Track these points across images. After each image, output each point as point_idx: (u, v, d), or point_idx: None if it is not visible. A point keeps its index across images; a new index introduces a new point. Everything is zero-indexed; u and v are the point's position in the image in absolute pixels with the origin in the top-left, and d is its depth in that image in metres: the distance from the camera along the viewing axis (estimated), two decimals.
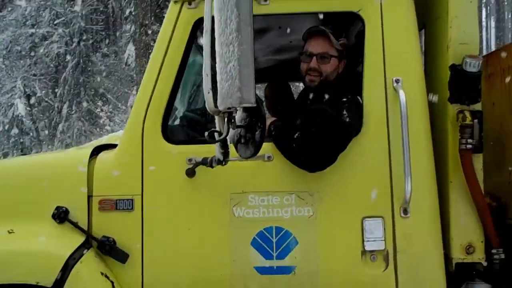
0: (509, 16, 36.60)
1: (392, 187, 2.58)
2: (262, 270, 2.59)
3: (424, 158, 2.61)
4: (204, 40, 2.00)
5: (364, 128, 2.62)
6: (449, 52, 2.65)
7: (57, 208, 2.62)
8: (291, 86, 4.68)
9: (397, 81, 2.61)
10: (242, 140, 2.21)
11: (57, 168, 2.84)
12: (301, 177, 2.57)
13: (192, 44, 2.75)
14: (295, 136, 2.52)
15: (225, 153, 2.27)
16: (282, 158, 2.59)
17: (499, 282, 2.64)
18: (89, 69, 19.48)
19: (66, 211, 2.62)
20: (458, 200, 2.63)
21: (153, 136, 2.67)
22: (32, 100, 18.53)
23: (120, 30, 21.63)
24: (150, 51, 12.28)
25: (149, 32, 13.58)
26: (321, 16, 2.70)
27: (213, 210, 2.62)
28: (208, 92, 1.96)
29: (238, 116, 2.17)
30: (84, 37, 19.27)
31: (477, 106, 2.61)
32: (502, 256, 2.61)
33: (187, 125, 3.43)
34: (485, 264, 2.62)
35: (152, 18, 13.66)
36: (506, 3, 35.89)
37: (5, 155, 17.02)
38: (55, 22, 19.22)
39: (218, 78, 1.86)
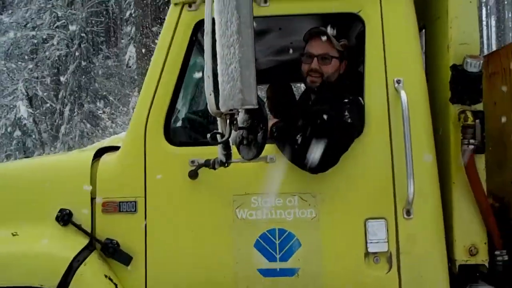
0: (510, 15, 36.56)
1: (395, 188, 2.58)
2: (265, 272, 2.59)
3: (426, 159, 2.60)
4: (205, 42, 2.01)
5: (366, 129, 2.62)
6: (450, 52, 2.65)
7: (61, 210, 2.63)
8: (293, 87, 4.70)
9: (398, 81, 2.61)
10: (245, 142, 2.22)
11: (60, 171, 2.85)
12: (303, 179, 2.57)
13: (193, 46, 2.75)
14: (297, 138, 2.52)
15: (228, 155, 2.27)
16: (285, 160, 2.59)
17: (502, 284, 2.63)
18: (90, 71, 19.51)
19: (70, 214, 2.63)
20: (461, 201, 2.62)
21: (155, 138, 2.68)
22: (34, 102, 18.56)
23: (121, 32, 21.68)
24: (151, 52, 12.31)
25: (150, 33, 13.58)
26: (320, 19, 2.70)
27: (216, 212, 2.62)
28: (210, 94, 1.97)
29: (240, 117, 2.17)
30: (85, 40, 19.31)
31: (479, 106, 2.60)
32: (506, 257, 2.61)
33: (190, 127, 3.43)
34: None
35: (153, 20, 13.67)
36: (506, 2, 35.86)
37: (8, 157, 17.06)
38: (56, 25, 19.27)
39: (220, 80, 1.86)
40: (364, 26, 2.69)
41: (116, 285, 2.56)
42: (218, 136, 2.14)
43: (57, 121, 18.85)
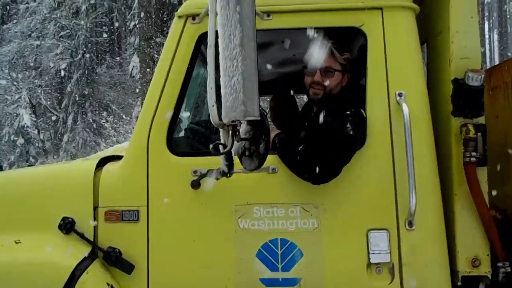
0: None
1: (397, 199, 2.59)
2: (267, 282, 2.59)
3: (428, 171, 2.61)
4: (208, 55, 2.03)
5: (367, 140, 2.63)
6: (451, 66, 2.67)
7: (64, 218, 2.64)
8: (296, 98, 4.71)
9: (400, 94, 2.63)
10: (247, 153, 2.23)
11: (63, 179, 2.86)
12: (305, 189, 2.58)
13: (197, 58, 2.78)
14: (299, 149, 2.54)
15: (230, 165, 2.29)
16: (287, 170, 2.61)
17: None
18: (94, 80, 19.61)
19: (73, 222, 2.64)
20: (463, 213, 2.62)
21: (158, 148, 2.70)
22: (38, 111, 18.63)
23: (125, 42, 21.81)
24: (154, 62, 12.40)
25: (153, 44, 13.68)
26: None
27: (218, 221, 2.63)
28: (213, 106, 1.99)
29: (243, 129, 2.19)
30: (89, 49, 19.41)
31: (481, 120, 2.62)
32: (508, 269, 2.61)
33: (192, 137, 3.45)
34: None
35: (157, 31, 13.77)
36: (508, 16, 35.98)
37: (11, 165, 17.09)
38: (60, 35, 19.39)
39: (223, 91, 1.88)
40: (366, 39, 2.71)
41: None
42: (221, 147, 2.16)
43: (60, 129, 18.91)
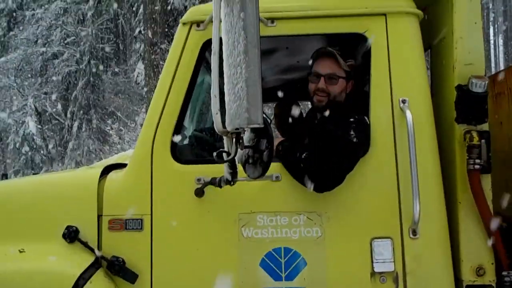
0: None
1: (401, 208, 2.57)
2: None
3: (432, 178, 2.60)
4: (212, 62, 2.03)
5: (371, 148, 2.62)
6: (455, 72, 2.66)
7: (68, 227, 2.64)
8: (301, 105, 4.71)
9: (403, 101, 2.62)
10: (250, 161, 2.23)
11: (67, 188, 2.86)
12: (309, 198, 2.58)
13: (201, 64, 2.78)
14: (302, 156, 2.53)
15: (234, 173, 2.29)
16: (290, 178, 2.60)
17: None
18: (99, 87, 19.67)
19: (77, 231, 2.64)
20: (467, 221, 2.61)
21: (162, 156, 2.69)
22: (43, 118, 18.71)
23: (130, 49, 21.88)
24: (159, 69, 12.43)
25: (158, 50, 13.72)
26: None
27: (221, 230, 2.63)
28: (216, 113, 1.99)
29: (246, 136, 2.19)
30: (94, 56, 19.51)
31: (484, 126, 2.61)
32: None
33: (196, 145, 3.45)
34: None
35: (162, 37, 13.82)
36: None
37: (16, 173, 17.15)
38: (66, 41, 19.49)
39: (226, 99, 1.89)
40: (369, 46, 2.71)
41: None
42: (224, 155, 2.16)
43: (65, 137, 18.97)
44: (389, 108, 2.64)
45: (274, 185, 2.62)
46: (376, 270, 2.54)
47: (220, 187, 2.42)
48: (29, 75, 19.52)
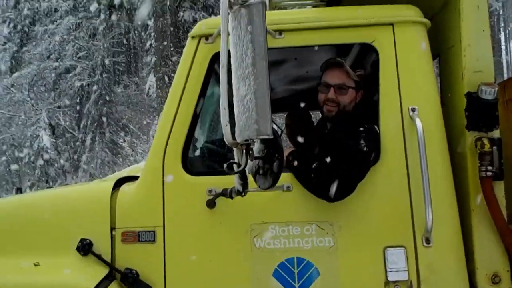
0: None
1: (413, 216, 2.56)
2: None
3: (444, 186, 2.59)
4: (221, 75, 2.05)
5: (381, 156, 2.62)
6: (464, 80, 2.66)
7: (81, 240, 2.66)
8: (312, 115, 4.72)
9: (413, 109, 2.62)
10: (261, 171, 2.24)
11: (81, 201, 2.89)
12: (320, 207, 2.58)
13: (210, 77, 2.81)
14: (313, 166, 2.54)
15: (244, 184, 2.30)
16: (301, 188, 2.60)
17: None
18: (111, 100, 19.83)
19: (90, 244, 2.66)
20: (481, 228, 2.59)
21: (173, 168, 2.71)
22: (57, 132, 18.88)
23: (141, 62, 22.06)
24: (170, 81, 12.52)
25: (169, 63, 13.84)
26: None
27: (234, 241, 2.63)
28: (226, 125, 2.00)
29: (256, 147, 2.21)
30: (106, 69, 19.70)
31: (495, 133, 2.60)
32: None
33: (207, 156, 3.47)
34: None
35: (173, 50, 13.94)
36: None
37: (31, 187, 17.30)
38: (78, 55, 19.71)
39: (236, 111, 1.91)
40: (378, 55, 2.72)
41: None
42: (235, 166, 2.17)
43: (79, 150, 19.13)
44: (399, 116, 2.64)
45: (286, 195, 2.63)
46: (390, 279, 2.53)
47: (232, 198, 2.43)
48: (43, 90, 19.74)
